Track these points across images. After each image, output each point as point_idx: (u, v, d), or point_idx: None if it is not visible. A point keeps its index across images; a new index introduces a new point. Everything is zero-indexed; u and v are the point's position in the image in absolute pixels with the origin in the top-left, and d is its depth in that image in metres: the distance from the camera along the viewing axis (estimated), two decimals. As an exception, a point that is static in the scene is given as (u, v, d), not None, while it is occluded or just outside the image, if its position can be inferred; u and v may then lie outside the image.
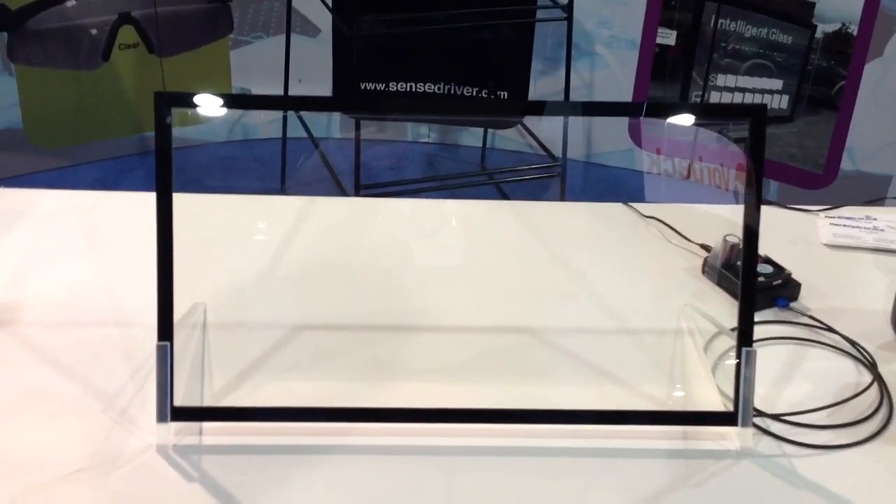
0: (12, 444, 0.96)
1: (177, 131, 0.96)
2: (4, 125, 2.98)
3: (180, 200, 0.98)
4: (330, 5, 2.75)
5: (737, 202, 1.01)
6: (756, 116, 0.97)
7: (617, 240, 1.37)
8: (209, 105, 0.99)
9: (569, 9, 2.67)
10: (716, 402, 1.03)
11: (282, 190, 3.01)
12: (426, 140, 3.41)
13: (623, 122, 3.04)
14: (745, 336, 0.98)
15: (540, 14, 2.81)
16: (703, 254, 1.29)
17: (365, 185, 2.59)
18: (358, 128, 2.64)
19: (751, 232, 0.98)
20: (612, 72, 3.16)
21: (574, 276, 1.27)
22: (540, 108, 1.10)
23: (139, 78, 3.05)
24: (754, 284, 0.99)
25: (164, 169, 0.95)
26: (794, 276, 1.23)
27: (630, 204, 1.42)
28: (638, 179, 3.10)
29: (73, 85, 2.97)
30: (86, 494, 0.90)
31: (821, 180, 2.93)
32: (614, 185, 3.14)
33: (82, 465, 0.93)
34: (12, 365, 1.07)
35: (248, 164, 3.20)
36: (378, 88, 2.89)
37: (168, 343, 0.96)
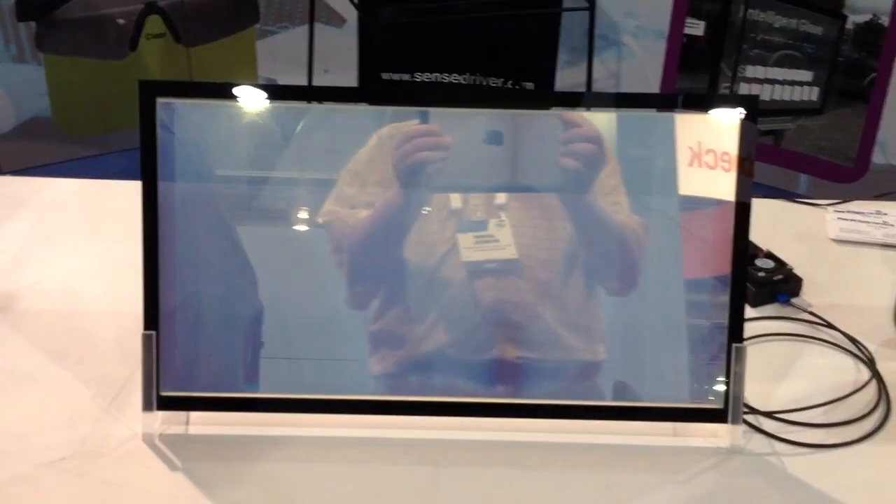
0: (-1, 430, 0.97)
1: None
2: (33, 114, 3.01)
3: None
4: (354, -4, 2.75)
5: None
6: (748, 107, 0.95)
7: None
8: (197, 95, 0.99)
9: (591, -1, 2.65)
10: (706, 399, 1.01)
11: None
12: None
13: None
14: (734, 332, 0.96)
15: (564, 4, 2.78)
16: (706, 248, 1.27)
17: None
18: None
19: (740, 225, 0.96)
20: (639, 62, 3.13)
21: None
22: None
23: (166, 67, 3.06)
24: (744, 279, 0.97)
25: (150, 159, 0.95)
26: (798, 271, 1.21)
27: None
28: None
29: (100, 74, 2.99)
30: (70, 482, 0.91)
31: (851, 173, 2.88)
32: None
33: (68, 452, 0.94)
34: (4, 352, 1.08)
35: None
36: (403, 79, 2.88)
37: (154, 332, 0.96)
